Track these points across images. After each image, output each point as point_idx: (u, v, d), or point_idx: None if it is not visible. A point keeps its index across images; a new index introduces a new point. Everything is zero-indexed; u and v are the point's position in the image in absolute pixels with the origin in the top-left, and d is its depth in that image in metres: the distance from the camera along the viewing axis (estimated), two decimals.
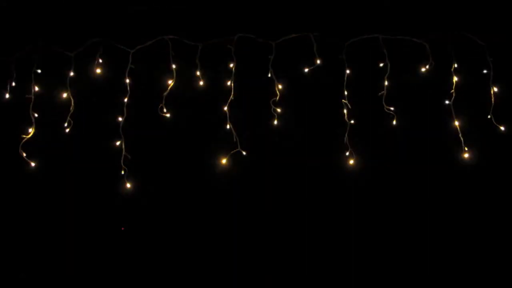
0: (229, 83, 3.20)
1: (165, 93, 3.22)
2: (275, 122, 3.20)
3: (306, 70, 3.22)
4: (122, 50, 3.24)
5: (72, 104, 3.21)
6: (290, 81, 3.22)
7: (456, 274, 3.22)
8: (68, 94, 3.21)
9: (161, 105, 3.22)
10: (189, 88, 3.25)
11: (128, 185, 3.20)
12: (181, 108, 3.26)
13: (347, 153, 3.18)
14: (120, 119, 3.20)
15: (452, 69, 3.18)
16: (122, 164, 3.19)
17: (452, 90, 3.18)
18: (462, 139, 3.16)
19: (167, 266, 3.30)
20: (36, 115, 3.20)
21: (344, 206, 3.30)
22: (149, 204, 3.33)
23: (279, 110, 3.20)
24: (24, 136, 3.18)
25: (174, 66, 3.23)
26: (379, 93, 3.20)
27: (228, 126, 3.19)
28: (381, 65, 3.20)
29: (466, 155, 3.16)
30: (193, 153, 3.31)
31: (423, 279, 3.24)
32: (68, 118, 3.20)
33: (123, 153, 3.20)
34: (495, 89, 3.16)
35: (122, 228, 3.33)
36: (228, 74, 3.21)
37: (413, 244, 3.25)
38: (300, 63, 3.23)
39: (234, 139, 3.20)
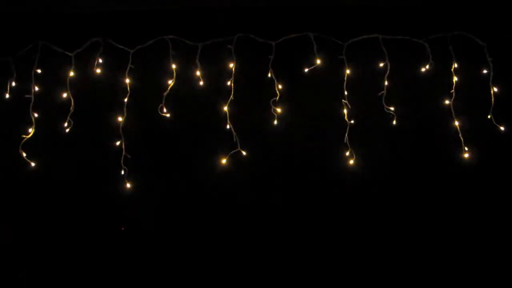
0: (229, 83, 3.20)
1: (165, 93, 3.22)
2: (275, 122, 3.20)
3: (306, 70, 3.22)
4: (122, 50, 3.24)
5: (72, 104, 3.21)
6: (290, 81, 3.22)
7: (456, 276, 3.22)
8: (68, 94, 3.21)
9: (161, 105, 3.22)
10: (189, 88, 3.25)
11: (128, 185, 3.21)
12: (181, 108, 3.26)
13: (347, 153, 3.18)
14: (120, 119, 3.20)
15: (452, 69, 3.18)
16: (122, 164, 3.20)
17: (452, 90, 3.18)
18: (462, 139, 3.17)
19: (166, 266, 3.30)
20: (36, 115, 3.20)
21: (344, 206, 3.29)
22: (148, 204, 3.32)
23: (279, 110, 3.21)
24: (24, 136, 3.18)
25: (174, 66, 3.23)
26: (379, 93, 3.21)
27: (228, 126, 3.20)
28: (381, 65, 3.21)
29: (466, 155, 3.16)
30: (193, 153, 3.31)
31: (421, 280, 3.24)
32: (68, 118, 3.20)
33: (123, 153, 3.20)
34: (495, 89, 3.17)
35: (122, 228, 3.33)
36: (228, 74, 3.22)
37: (412, 245, 3.25)
38: (300, 63, 3.23)
39: (234, 139, 3.20)
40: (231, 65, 3.21)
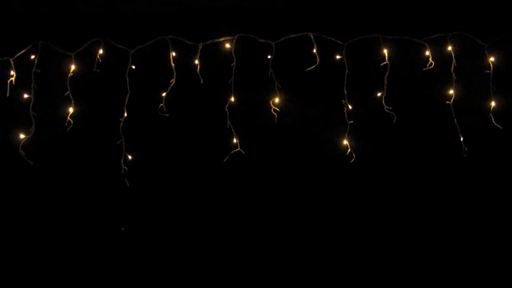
0: (229, 83, 3.20)
1: (165, 93, 3.22)
2: (275, 122, 3.20)
3: (306, 70, 3.22)
4: (122, 50, 3.24)
5: (72, 104, 3.21)
6: (290, 81, 3.22)
7: (456, 276, 3.22)
8: (68, 94, 3.21)
9: (161, 105, 3.22)
10: (189, 88, 3.25)
11: (128, 185, 3.21)
12: (181, 108, 3.26)
13: (347, 153, 3.18)
14: (120, 119, 3.20)
15: (452, 69, 3.18)
16: (122, 164, 3.20)
17: (452, 90, 3.18)
18: (461, 138, 3.17)
19: (165, 266, 3.30)
20: (36, 115, 3.20)
21: (344, 206, 3.29)
22: (148, 204, 3.32)
23: (279, 110, 3.21)
24: (24, 136, 3.19)
25: (174, 66, 3.23)
26: (379, 93, 3.21)
27: (228, 126, 3.20)
28: (381, 65, 3.21)
29: (465, 155, 3.17)
30: (193, 153, 3.31)
31: (423, 279, 3.24)
32: (68, 118, 3.20)
33: (123, 153, 3.20)
34: (495, 89, 3.17)
35: (122, 228, 3.33)
36: (228, 74, 3.21)
37: (412, 244, 3.25)
38: (300, 63, 3.23)
39: (234, 139, 3.20)
40: (231, 65, 3.21)
